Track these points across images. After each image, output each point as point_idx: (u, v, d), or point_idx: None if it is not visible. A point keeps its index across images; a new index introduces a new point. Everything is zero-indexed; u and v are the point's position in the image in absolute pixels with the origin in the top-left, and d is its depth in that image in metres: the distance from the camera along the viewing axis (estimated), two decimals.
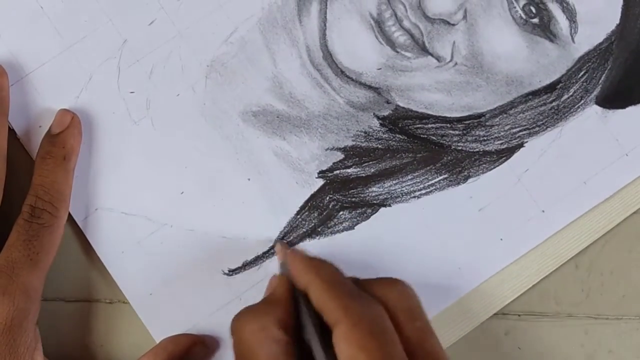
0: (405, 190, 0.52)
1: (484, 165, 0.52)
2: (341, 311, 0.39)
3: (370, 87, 0.53)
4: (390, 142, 0.52)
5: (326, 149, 0.52)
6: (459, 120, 0.52)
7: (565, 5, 0.52)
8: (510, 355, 0.52)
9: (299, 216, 0.52)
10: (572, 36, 0.52)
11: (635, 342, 0.53)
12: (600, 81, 0.52)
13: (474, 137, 0.52)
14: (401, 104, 0.53)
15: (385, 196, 0.52)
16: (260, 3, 0.53)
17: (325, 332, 0.40)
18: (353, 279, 0.43)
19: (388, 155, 0.52)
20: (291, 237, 0.52)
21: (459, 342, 0.52)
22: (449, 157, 0.52)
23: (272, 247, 0.51)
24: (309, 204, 0.52)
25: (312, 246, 0.52)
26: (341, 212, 0.52)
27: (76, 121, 0.51)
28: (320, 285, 0.41)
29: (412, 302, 0.42)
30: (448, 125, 0.52)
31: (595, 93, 0.53)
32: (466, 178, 0.52)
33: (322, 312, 0.40)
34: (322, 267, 0.43)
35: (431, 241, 0.52)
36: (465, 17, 0.52)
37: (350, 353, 0.37)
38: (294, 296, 0.43)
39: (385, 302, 0.41)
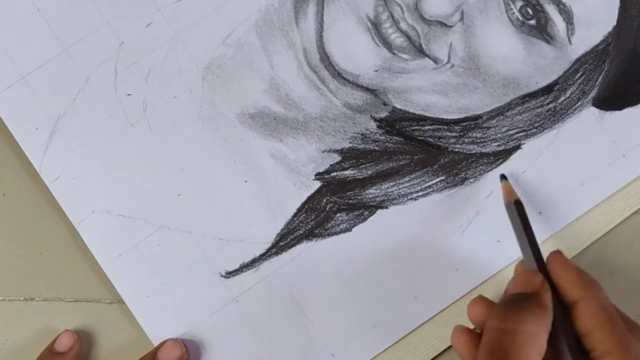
0: (402, 192, 0.52)
1: (481, 167, 0.52)
2: (616, 345, 0.38)
3: (367, 89, 0.53)
4: (387, 144, 0.52)
5: (323, 151, 0.52)
6: (456, 122, 0.52)
7: (562, 7, 0.52)
8: None
9: (296, 218, 0.52)
10: (569, 38, 0.52)
11: None
12: (597, 83, 0.53)
13: (471, 139, 0.52)
14: (398, 106, 0.53)
15: (382, 198, 0.52)
16: (256, 5, 0.53)
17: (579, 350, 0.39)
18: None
19: (385, 157, 0.52)
20: (288, 239, 0.52)
21: None
22: (446, 159, 0.52)
23: (271, 248, 0.52)
24: (306, 206, 0.52)
25: (309, 248, 0.52)
26: (338, 214, 0.52)
27: (77, 346, 0.51)
28: (597, 310, 0.40)
29: None
30: (445, 127, 0.52)
31: (592, 95, 0.53)
32: (463, 180, 0.52)
33: (589, 334, 0.39)
34: (598, 288, 0.41)
35: (428, 243, 0.52)
36: (462, 19, 0.52)
37: None
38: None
39: None
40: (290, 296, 0.51)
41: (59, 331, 0.52)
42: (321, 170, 0.52)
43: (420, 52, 0.52)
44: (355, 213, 0.52)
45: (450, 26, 0.52)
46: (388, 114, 0.53)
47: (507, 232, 0.51)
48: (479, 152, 0.52)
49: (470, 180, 0.52)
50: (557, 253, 0.44)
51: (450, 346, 0.51)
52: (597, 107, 0.53)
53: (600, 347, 0.39)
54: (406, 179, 0.52)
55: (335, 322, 0.51)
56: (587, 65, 0.52)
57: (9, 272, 0.53)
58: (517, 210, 0.46)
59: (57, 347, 0.51)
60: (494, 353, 0.39)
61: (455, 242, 0.52)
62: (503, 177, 0.51)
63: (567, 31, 0.52)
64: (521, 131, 0.52)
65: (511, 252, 0.51)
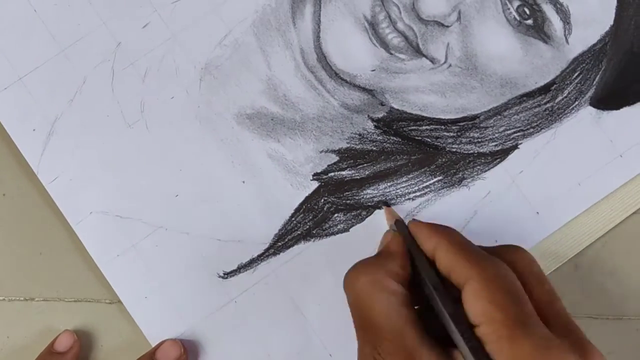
0: (400, 192, 0.52)
1: (479, 167, 0.52)
2: (473, 269, 0.39)
3: (364, 89, 0.53)
4: (384, 144, 0.52)
5: (320, 151, 0.52)
6: (453, 122, 0.52)
7: (559, 6, 0.52)
8: None
9: (293, 219, 0.52)
10: (566, 37, 0.52)
11: (635, 342, 0.53)
12: (595, 82, 0.53)
13: (468, 139, 0.52)
14: (395, 106, 0.53)
15: (379, 198, 0.52)
16: (254, 5, 0.53)
17: (445, 294, 0.40)
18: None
19: (382, 157, 0.52)
20: (286, 239, 0.52)
21: None
22: (444, 159, 0.52)
23: (268, 249, 0.52)
24: (304, 207, 0.52)
25: (306, 248, 0.52)
26: (336, 215, 0.52)
27: (77, 346, 0.51)
28: (450, 247, 0.40)
29: (538, 268, 0.42)
30: (442, 127, 0.52)
31: (589, 94, 0.53)
32: (461, 180, 0.52)
33: (452, 273, 0.40)
34: (450, 231, 0.42)
35: None
36: (459, 18, 0.52)
37: (483, 309, 0.37)
38: (408, 253, 0.43)
39: (513, 266, 0.40)
40: (288, 297, 0.51)
41: (59, 331, 0.52)
42: (319, 171, 0.52)
43: (418, 52, 0.52)
44: (352, 213, 0.52)
45: (448, 26, 0.52)
46: (385, 114, 0.53)
47: (505, 232, 0.51)
48: (476, 152, 0.52)
49: (468, 180, 0.52)
50: (414, 221, 0.45)
51: None
52: (594, 106, 0.53)
53: (460, 277, 0.39)
54: (404, 179, 0.52)
55: (334, 323, 0.51)
56: (584, 65, 0.52)
57: (9, 272, 0.53)
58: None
59: (57, 347, 0.51)
60: (354, 319, 0.41)
61: None
62: (385, 203, 0.52)
63: (565, 31, 0.52)
64: (518, 131, 0.52)
65: None
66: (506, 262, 0.41)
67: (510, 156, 0.52)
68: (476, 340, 0.37)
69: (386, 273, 0.41)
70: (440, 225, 0.43)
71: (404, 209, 0.52)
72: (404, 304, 0.39)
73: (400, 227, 0.45)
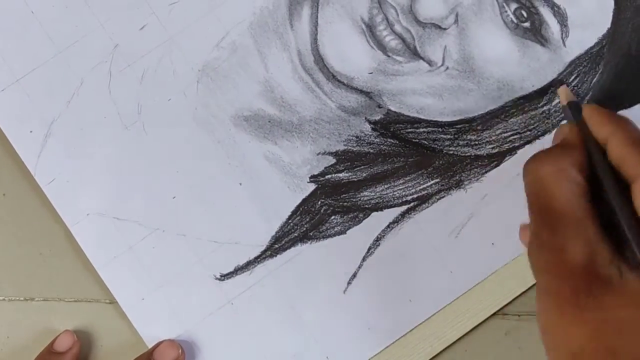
0: (397, 195, 0.52)
1: (476, 169, 0.52)
2: None
3: (361, 92, 0.53)
4: (381, 146, 0.52)
5: (318, 154, 0.52)
6: (451, 124, 0.52)
7: (556, 9, 0.52)
8: (510, 355, 0.52)
9: (290, 221, 0.52)
10: (563, 40, 0.52)
11: None
12: (592, 85, 0.52)
13: (465, 142, 0.52)
14: (393, 108, 0.53)
15: (377, 200, 0.52)
16: (251, 7, 0.53)
17: (621, 187, 0.40)
18: None
19: (380, 159, 0.52)
20: (283, 242, 0.52)
21: (459, 342, 0.52)
22: (441, 162, 0.52)
23: (265, 251, 0.52)
24: (301, 209, 0.52)
25: (303, 250, 0.52)
26: (333, 217, 0.52)
27: (76, 346, 0.51)
28: (623, 139, 0.40)
29: None
30: (439, 129, 0.52)
31: (586, 97, 0.52)
32: (458, 182, 0.52)
33: (622, 165, 0.40)
34: (626, 121, 0.41)
35: (423, 245, 0.52)
36: (456, 21, 0.52)
37: None
38: (585, 146, 0.42)
39: None
40: (285, 299, 0.51)
41: (59, 331, 0.52)
42: (316, 173, 0.52)
43: (415, 54, 0.52)
44: (350, 215, 0.52)
45: (445, 29, 0.52)
46: (383, 116, 0.53)
47: (502, 234, 0.51)
48: (473, 154, 0.52)
49: (465, 182, 0.52)
50: (589, 104, 0.44)
51: (450, 346, 0.52)
52: None
53: (631, 172, 0.39)
54: (401, 181, 0.52)
55: (330, 325, 0.51)
56: (581, 68, 0.52)
57: (9, 272, 0.53)
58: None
59: (56, 347, 0.51)
60: (533, 205, 0.41)
61: (450, 244, 0.52)
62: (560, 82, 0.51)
63: (562, 33, 0.52)
64: (515, 133, 0.52)
65: (506, 254, 0.52)
66: None
67: (507, 159, 0.52)
68: None
69: (571, 163, 0.40)
70: (616, 115, 0.43)
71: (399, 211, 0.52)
72: (585, 196, 0.40)
73: (574, 109, 0.45)
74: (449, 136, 0.52)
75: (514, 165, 0.52)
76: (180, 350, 0.50)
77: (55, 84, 0.52)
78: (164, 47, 0.53)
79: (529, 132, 0.52)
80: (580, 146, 0.42)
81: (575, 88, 0.52)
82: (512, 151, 0.52)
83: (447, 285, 0.51)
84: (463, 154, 0.52)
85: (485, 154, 0.52)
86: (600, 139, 0.42)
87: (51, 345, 0.51)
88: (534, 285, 0.51)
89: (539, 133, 0.52)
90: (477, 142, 0.52)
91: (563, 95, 0.48)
